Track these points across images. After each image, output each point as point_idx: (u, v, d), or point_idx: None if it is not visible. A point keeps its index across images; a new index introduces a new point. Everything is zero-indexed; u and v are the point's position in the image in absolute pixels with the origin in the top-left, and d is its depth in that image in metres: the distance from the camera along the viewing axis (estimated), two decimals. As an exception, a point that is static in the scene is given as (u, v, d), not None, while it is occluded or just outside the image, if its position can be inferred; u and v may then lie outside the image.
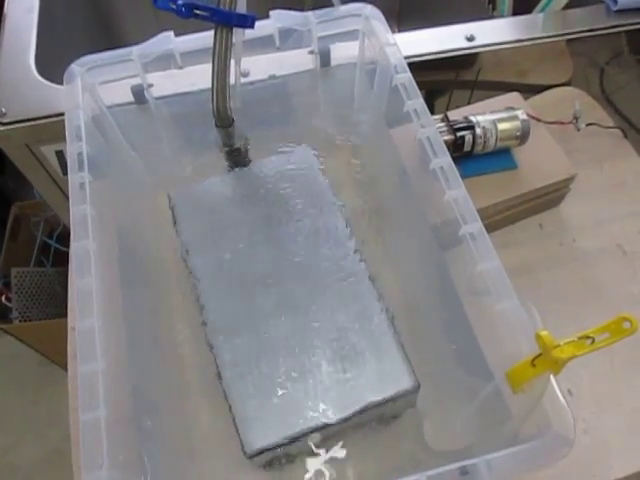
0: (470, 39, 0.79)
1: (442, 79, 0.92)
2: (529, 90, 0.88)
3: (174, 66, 0.58)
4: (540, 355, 0.35)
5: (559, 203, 0.76)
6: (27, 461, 1.36)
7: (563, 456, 0.35)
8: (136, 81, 0.59)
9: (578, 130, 0.79)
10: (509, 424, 0.39)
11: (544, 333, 0.34)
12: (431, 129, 0.48)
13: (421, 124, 0.49)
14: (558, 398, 0.37)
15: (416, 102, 0.50)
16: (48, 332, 1.23)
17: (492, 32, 0.81)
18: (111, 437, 0.37)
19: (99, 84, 0.57)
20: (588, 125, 0.79)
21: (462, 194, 0.45)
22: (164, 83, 0.64)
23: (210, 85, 0.53)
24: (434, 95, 0.98)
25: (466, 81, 0.91)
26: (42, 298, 1.30)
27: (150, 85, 0.59)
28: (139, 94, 0.60)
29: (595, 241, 0.73)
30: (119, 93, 0.62)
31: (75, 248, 0.44)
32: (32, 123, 0.73)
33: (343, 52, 0.62)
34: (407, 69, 0.52)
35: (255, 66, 0.70)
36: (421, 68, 0.77)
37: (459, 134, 0.66)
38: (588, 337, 0.35)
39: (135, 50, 0.55)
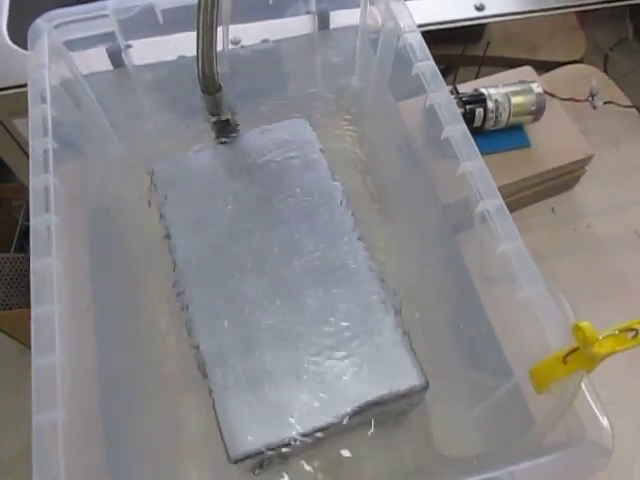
0: (480, 8, 0.73)
1: (448, 54, 0.86)
2: (540, 67, 0.82)
3: (155, 26, 0.52)
4: (575, 350, 0.30)
5: (573, 186, 0.71)
6: (9, 453, 1.31)
7: (600, 468, 0.30)
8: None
9: (594, 108, 0.74)
10: (533, 430, 0.34)
11: (586, 324, 0.28)
12: (443, 94, 0.43)
13: (431, 88, 0.43)
14: (593, 400, 0.32)
15: (426, 64, 0.44)
16: (29, 320, 1.17)
17: (503, 1, 0.75)
18: (72, 443, 0.32)
19: (70, 44, 0.51)
20: (605, 103, 0.74)
21: (479, 165, 0.39)
22: (145, 49, 0.57)
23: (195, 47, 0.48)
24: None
25: (473, 56, 0.85)
26: (23, 285, 1.24)
27: (128, 46, 0.53)
28: (116, 55, 0.53)
29: (611, 227, 0.69)
30: (95, 57, 0.56)
31: (34, 224, 0.38)
32: (4, 93, 0.67)
33: (343, 14, 0.56)
34: (416, 27, 0.46)
35: (247, 34, 0.63)
36: (425, 42, 0.71)
37: (469, 107, 0.61)
38: (631, 329, 0.29)
39: (110, 4, 0.49)
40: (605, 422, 0.32)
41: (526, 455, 0.32)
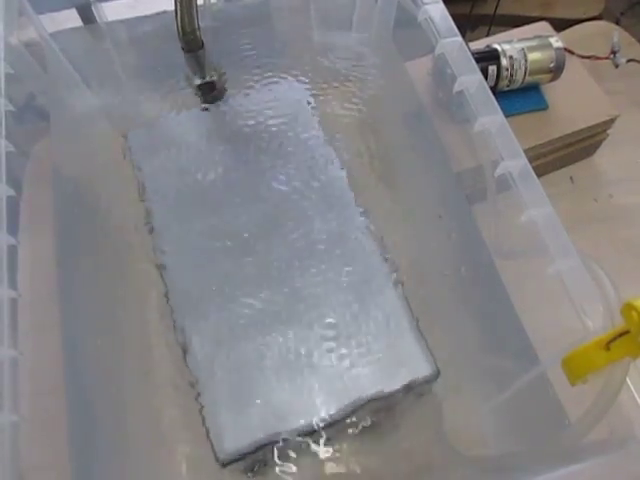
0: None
1: (454, 13, 0.79)
2: (556, 26, 0.77)
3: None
4: (624, 334, 0.25)
5: (593, 153, 0.66)
6: None
7: (652, 475, 0.25)
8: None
9: (616, 66, 0.68)
10: (567, 428, 0.29)
11: (641, 303, 0.23)
12: (455, 39, 0.37)
13: (441, 34, 0.38)
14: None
15: (435, 7, 0.38)
16: None
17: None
18: (23, 451, 0.27)
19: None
20: (629, 62, 0.68)
21: (498, 121, 0.34)
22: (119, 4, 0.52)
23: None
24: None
25: (482, 15, 0.79)
26: None
27: (98, -1, 0.48)
28: (86, 10, 0.48)
29: (635, 197, 0.64)
30: (63, 15, 0.50)
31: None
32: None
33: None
34: (422, -35, 0.40)
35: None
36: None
37: (480, 65, 0.54)
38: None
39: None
40: (656, 419, 0.27)
41: (559, 458, 0.27)
